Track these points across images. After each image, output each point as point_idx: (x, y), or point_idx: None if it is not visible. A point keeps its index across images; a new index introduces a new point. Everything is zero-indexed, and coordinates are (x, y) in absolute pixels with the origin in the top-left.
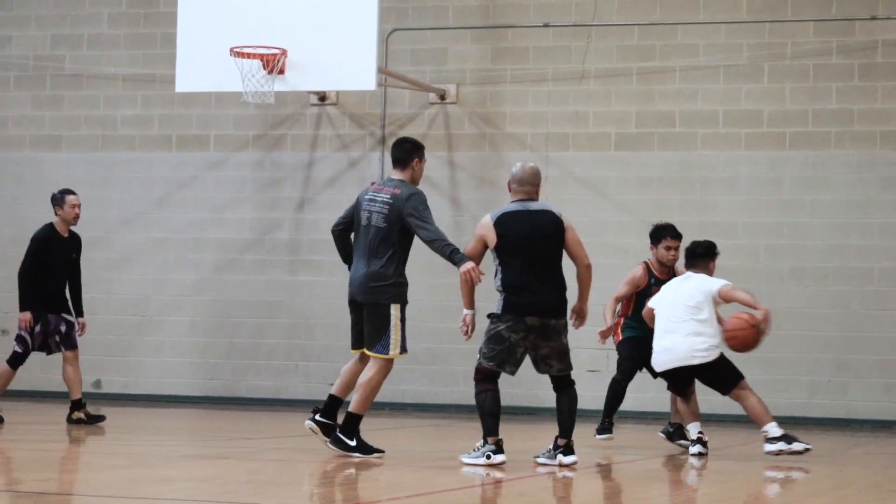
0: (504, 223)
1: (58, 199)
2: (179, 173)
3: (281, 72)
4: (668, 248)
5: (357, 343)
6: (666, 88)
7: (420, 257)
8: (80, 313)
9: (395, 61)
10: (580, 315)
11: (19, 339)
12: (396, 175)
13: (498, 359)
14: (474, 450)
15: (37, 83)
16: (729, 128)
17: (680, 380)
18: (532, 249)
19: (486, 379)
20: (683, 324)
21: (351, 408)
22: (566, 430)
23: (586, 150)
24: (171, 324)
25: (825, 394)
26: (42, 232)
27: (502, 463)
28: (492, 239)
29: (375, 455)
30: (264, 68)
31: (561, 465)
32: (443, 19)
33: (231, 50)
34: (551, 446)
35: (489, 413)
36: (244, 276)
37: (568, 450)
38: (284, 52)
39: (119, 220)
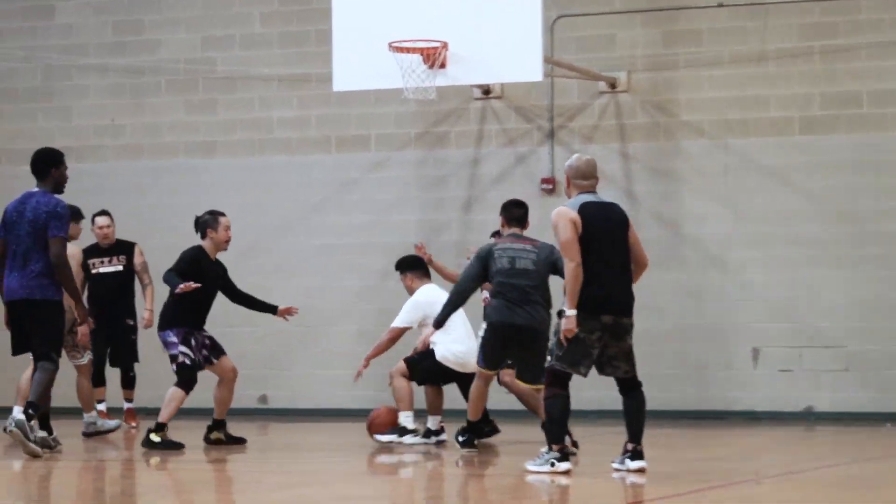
0: (586, 211)
1: (210, 222)
2: (339, 176)
3: (442, 66)
4: None
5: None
6: (851, 67)
7: None
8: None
9: (562, 50)
10: None
11: (179, 357)
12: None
13: (571, 360)
14: (538, 457)
15: (189, 87)
16: None
17: None
18: (608, 242)
19: (556, 382)
20: None
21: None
22: (635, 435)
23: (768, 136)
24: (336, 334)
25: None
26: (194, 251)
27: (568, 471)
28: (579, 226)
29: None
30: (425, 63)
31: (629, 471)
32: (610, 3)
33: (389, 45)
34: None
35: (557, 420)
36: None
37: (636, 455)
38: (445, 45)
39: (277, 226)
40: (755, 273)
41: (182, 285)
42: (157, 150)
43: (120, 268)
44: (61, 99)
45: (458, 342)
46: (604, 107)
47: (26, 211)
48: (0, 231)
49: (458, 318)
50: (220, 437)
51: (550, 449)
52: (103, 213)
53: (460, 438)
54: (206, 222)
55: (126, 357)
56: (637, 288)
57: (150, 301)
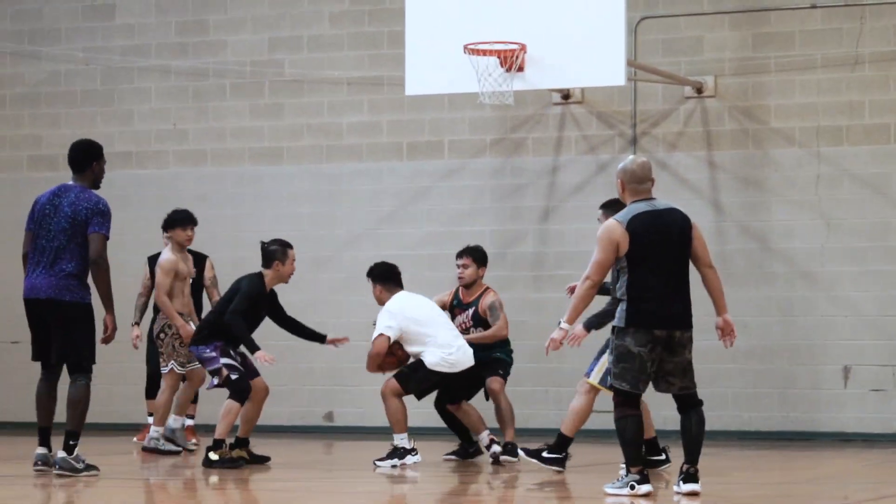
0: (635, 226)
1: (278, 254)
2: (411, 184)
3: (520, 69)
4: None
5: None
6: None
7: None
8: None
9: (646, 53)
10: (726, 329)
11: (225, 371)
12: None
13: (630, 378)
14: (618, 479)
15: (255, 91)
16: None
17: None
18: (664, 251)
19: (625, 403)
20: None
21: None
22: (691, 456)
23: (863, 144)
24: None
25: None
26: (256, 286)
27: (648, 493)
28: (625, 242)
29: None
30: (502, 66)
31: (682, 494)
32: (697, 4)
33: (465, 47)
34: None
35: (630, 441)
36: None
37: (689, 477)
38: (523, 48)
39: (347, 237)
40: (847, 288)
41: (261, 355)
42: (220, 157)
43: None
44: (122, 102)
45: (446, 346)
46: (689, 113)
47: (63, 205)
48: (28, 223)
49: (441, 321)
50: (243, 455)
51: (629, 471)
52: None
53: (548, 455)
54: (274, 254)
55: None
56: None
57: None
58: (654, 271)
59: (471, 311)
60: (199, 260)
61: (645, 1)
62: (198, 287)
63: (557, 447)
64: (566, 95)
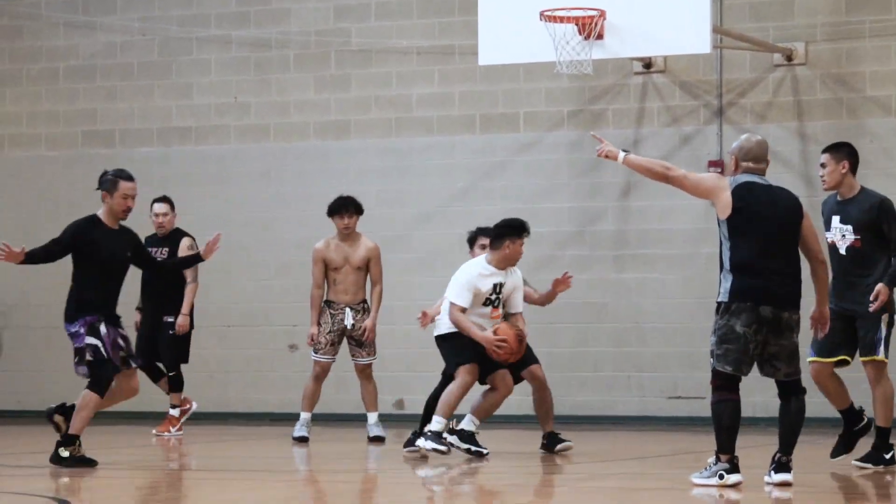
0: (743, 193)
1: (107, 184)
2: (485, 159)
3: (599, 37)
4: None
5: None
6: None
7: None
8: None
9: (732, 18)
10: (821, 320)
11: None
12: None
13: (734, 360)
14: (705, 468)
15: (320, 62)
16: None
17: None
18: (772, 227)
19: (724, 386)
20: None
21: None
22: (786, 445)
23: None
24: None
25: None
26: (76, 226)
27: (738, 483)
28: (726, 203)
29: None
30: (580, 33)
31: (773, 485)
32: None
33: (541, 14)
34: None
35: (726, 427)
36: None
37: (781, 467)
38: (603, 14)
39: (418, 215)
40: None
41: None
42: (284, 131)
43: (161, 259)
44: (180, 75)
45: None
46: (779, 81)
47: None
48: None
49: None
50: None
51: (718, 460)
52: (162, 199)
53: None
54: (103, 184)
55: (164, 357)
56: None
57: (186, 302)
58: (762, 245)
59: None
60: (176, 238)
61: None
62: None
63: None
64: (648, 64)
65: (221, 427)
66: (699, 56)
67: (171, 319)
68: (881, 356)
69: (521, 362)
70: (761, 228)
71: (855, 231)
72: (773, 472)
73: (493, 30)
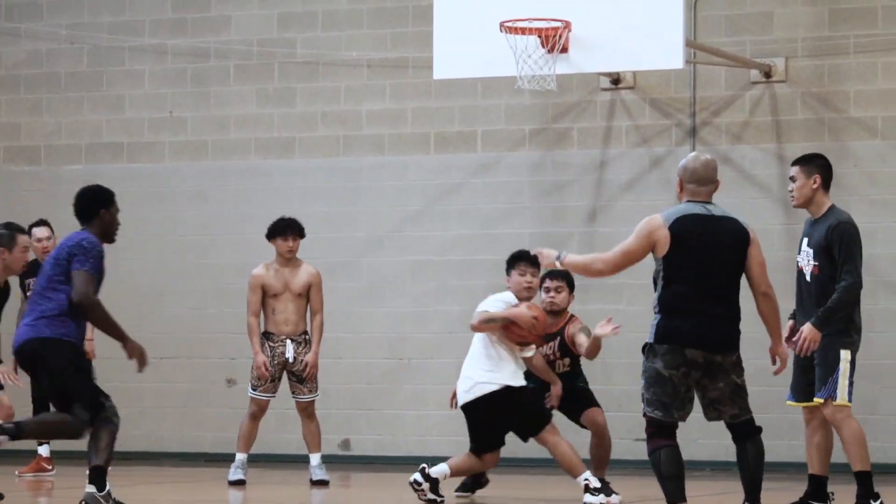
0: (681, 226)
1: (3, 239)
2: (440, 180)
3: (563, 50)
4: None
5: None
6: None
7: None
8: None
9: (707, 32)
10: (782, 357)
11: None
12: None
13: (661, 405)
14: None
15: (263, 74)
16: None
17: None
18: (710, 263)
19: (659, 433)
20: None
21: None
22: (752, 492)
23: None
24: (434, 368)
25: None
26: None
27: None
28: (664, 242)
29: None
30: (543, 46)
31: None
32: None
33: (501, 25)
34: None
35: (667, 475)
36: None
37: None
38: (567, 26)
39: (367, 240)
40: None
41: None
42: (223, 149)
43: None
44: (111, 87)
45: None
46: (756, 100)
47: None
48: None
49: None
50: None
51: None
52: (41, 222)
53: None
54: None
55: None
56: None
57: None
58: (696, 283)
59: (557, 341)
60: None
61: None
62: None
63: (868, 493)
64: (616, 80)
65: (154, 468)
66: (671, 72)
67: None
68: (839, 400)
69: (581, 406)
70: (699, 263)
71: (815, 256)
72: None
73: (449, 41)
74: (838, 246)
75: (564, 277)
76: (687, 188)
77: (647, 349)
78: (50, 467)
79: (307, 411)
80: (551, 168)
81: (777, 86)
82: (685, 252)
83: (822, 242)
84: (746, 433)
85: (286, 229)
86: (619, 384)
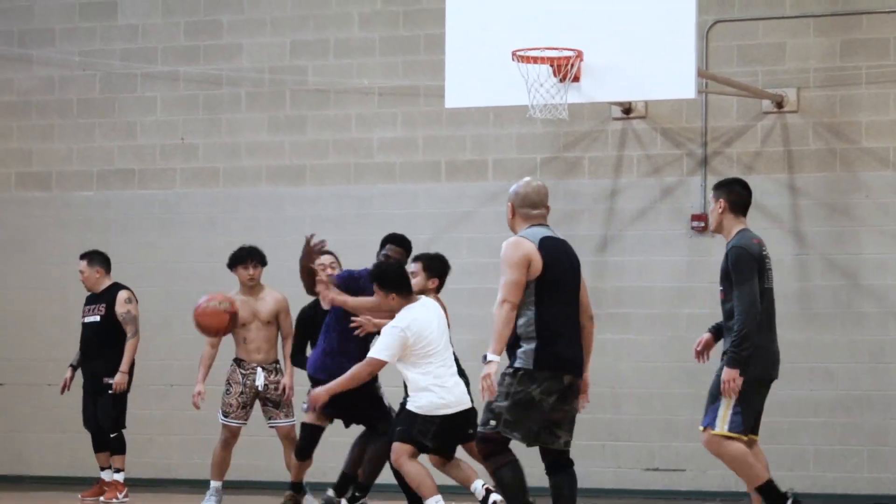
0: (547, 248)
1: None
2: (451, 209)
3: (575, 79)
4: None
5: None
6: None
7: None
8: None
9: (719, 62)
10: (585, 388)
11: None
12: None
13: (525, 428)
14: None
15: (274, 102)
16: None
17: None
18: (571, 286)
19: (502, 450)
20: None
21: None
22: None
23: None
24: None
25: None
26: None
27: None
28: (537, 267)
29: None
30: (555, 75)
31: None
32: (778, 6)
33: (513, 54)
34: None
35: (516, 488)
36: None
37: None
38: (579, 55)
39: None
40: None
41: None
42: (234, 176)
43: (97, 318)
44: (123, 113)
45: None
46: (768, 130)
47: None
48: None
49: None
50: None
51: None
52: (83, 256)
53: None
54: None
55: (104, 418)
56: (805, 348)
57: (125, 359)
58: (565, 307)
59: None
60: (111, 294)
61: (718, 2)
62: (109, 324)
63: (774, 498)
64: (627, 109)
65: (162, 495)
66: (683, 101)
67: (111, 381)
68: (717, 429)
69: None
70: (565, 287)
71: (720, 281)
72: None
73: (462, 70)
74: (733, 270)
75: (424, 260)
76: (520, 213)
77: (522, 375)
78: (123, 490)
79: (289, 437)
80: (562, 197)
81: (789, 116)
82: (554, 276)
83: (722, 266)
84: (568, 462)
85: (246, 258)
86: (629, 414)
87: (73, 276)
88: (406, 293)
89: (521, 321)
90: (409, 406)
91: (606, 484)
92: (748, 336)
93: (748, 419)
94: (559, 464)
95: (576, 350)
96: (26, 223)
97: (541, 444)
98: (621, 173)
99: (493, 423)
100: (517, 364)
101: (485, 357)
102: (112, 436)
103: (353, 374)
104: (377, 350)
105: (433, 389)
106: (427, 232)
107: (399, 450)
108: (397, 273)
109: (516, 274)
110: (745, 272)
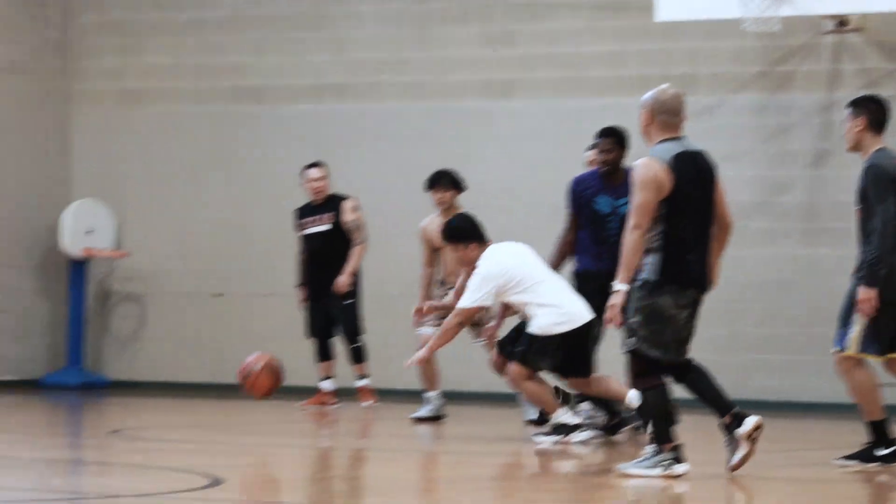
0: (678, 166)
1: None
2: None
3: None
4: None
5: None
6: None
7: None
8: None
9: None
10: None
11: None
12: None
13: (659, 341)
14: (643, 458)
15: (484, 16)
16: None
17: None
18: (701, 201)
19: (649, 371)
20: None
21: None
22: (726, 402)
23: None
24: None
25: None
26: None
27: (683, 474)
28: (668, 186)
29: None
30: None
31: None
32: None
33: None
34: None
35: (660, 414)
36: (747, 251)
37: (741, 416)
38: None
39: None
40: None
41: None
42: (444, 90)
43: (327, 227)
44: (333, 29)
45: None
46: None
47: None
48: None
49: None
50: None
51: (660, 449)
52: (315, 164)
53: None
54: None
55: (344, 328)
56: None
57: (351, 263)
58: (694, 222)
59: None
60: (336, 203)
61: None
62: (338, 233)
63: (881, 439)
64: (842, 22)
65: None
66: None
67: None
68: (850, 350)
69: None
70: (694, 202)
71: (857, 200)
72: (739, 430)
73: None
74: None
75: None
76: (658, 121)
77: (651, 286)
78: (334, 401)
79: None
80: (774, 111)
81: None
82: (685, 193)
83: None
84: (689, 366)
85: (434, 182)
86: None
87: (284, 188)
88: (481, 239)
89: (653, 235)
90: (528, 329)
91: (824, 398)
92: (883, 256)
93: (882, 340)
94: (686, 369)
95: (701, 265)
96: (240, 136)
97: (672, 358)
98: (836, 88)
99: (632, 340)
100: (644, 276)
101: (612, 286)
102: (355, 345)
103: (444, 329)
104: (463, 299)
105: (550, 307)
106: (636, 145)
107: (516, 371)
108: (468, 222)
109: (646, 195)
110: (882, 192)
